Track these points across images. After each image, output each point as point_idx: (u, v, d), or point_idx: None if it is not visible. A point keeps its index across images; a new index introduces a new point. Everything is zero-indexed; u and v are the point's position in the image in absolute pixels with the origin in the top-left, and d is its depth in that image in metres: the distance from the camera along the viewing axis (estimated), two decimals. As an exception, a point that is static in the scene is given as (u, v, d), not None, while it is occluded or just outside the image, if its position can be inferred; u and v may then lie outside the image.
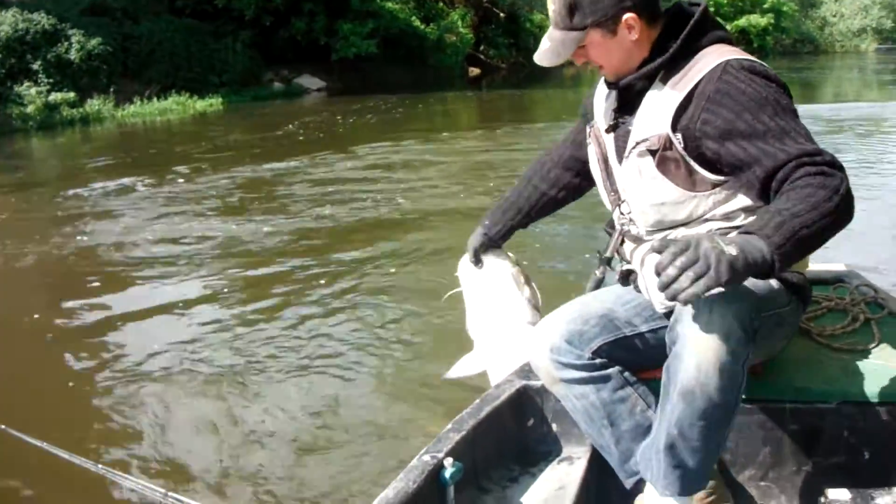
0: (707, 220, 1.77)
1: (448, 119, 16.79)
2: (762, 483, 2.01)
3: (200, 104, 18.98)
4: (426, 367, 3.55)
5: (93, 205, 7.64)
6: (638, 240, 1.88)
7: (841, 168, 1.56)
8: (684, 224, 1.78)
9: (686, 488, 1.72)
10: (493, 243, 2.31)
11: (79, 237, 6.33)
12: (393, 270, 5.09)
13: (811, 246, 1.54)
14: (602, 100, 1.99)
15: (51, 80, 17.38)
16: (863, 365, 2.01)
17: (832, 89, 20.45)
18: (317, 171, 9.08)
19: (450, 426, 1.94)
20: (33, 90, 16.89)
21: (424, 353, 3.79)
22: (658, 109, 1.76)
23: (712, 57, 1.70)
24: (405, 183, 8.20)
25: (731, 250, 1.45)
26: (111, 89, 17.94)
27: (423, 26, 27.17)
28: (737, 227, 1.69)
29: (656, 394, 1.82)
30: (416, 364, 3.69)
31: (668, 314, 1.77)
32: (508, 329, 2.26)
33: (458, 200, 7.25)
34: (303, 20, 23.84)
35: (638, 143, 1.78)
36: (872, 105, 15.67)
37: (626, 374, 1.93)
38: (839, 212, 1.52)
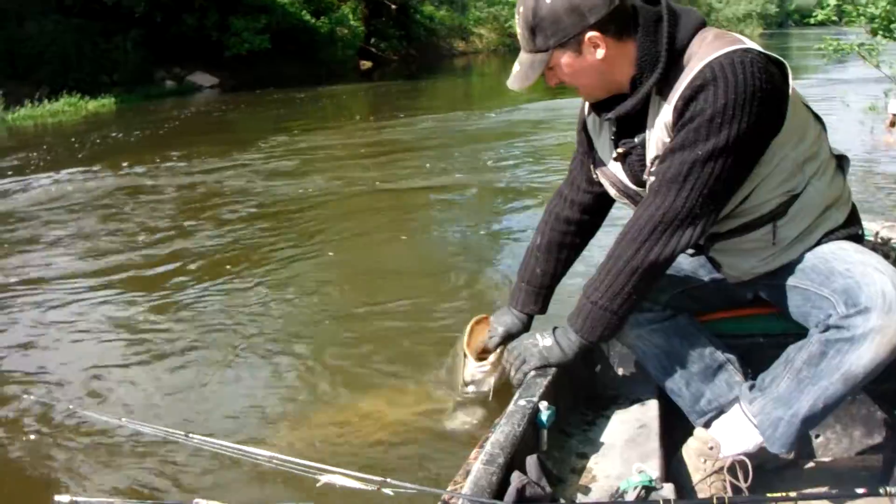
0: (743, 208, 1.79)
1: (339, 111, 17.26)
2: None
3: (93, 104, 18.95)
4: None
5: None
6: None
7: (683, 225, 1.70)
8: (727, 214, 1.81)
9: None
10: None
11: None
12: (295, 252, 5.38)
13: (622, 316, 1.83)
14: (595, 129, 1.99)
15: (-65, 84, 17.16)
16: None
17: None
18: (199, 168, 9.25)
19: (534, 373, 2.00)
20: (-83, 94, 16.67)
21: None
22: (664, 126, 1.74)
23: (697, 58, 1.67)
24: (298, 174, 8.58)
25: (547, 342, 1.98)
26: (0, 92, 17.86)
27: (313, 20, 27.51)
28: (765, 205, 1.77)
29: (720, 335, 2.05)
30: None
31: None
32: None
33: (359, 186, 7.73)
34: (194, 16, 23.82)
35: (652, 161, 1.79)
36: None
37: (694, 319, 2.05)
38: (645, 269, 1.75)
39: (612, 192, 1.98)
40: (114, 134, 13.82)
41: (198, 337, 3.87)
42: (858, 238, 1.87)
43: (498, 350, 2.33)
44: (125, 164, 9.71)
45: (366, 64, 30.31)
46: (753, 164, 1.70)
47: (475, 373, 2.41)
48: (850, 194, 1.90)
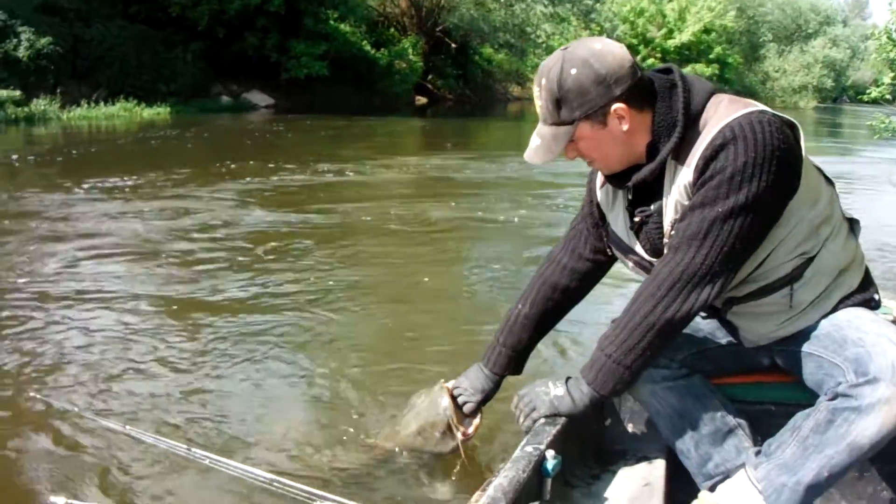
0: (760, 272, 1.78)
1: (392, 143, 17.15)
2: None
3: (148, 112, 19.13)
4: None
5: (45, 204, 7.75)
6: None
7: (702, 283, 1.70)
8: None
9: None
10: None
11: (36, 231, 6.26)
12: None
13: (635, 371, 1.81)
14: (608, 202, 1.98)
15: (-3, 77, 17.33)
16: None
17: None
18: (243, 187, 9.08)
19: (543, 420, 1.98)
20: (-21, 86, 16.84)
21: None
22: (682, 188, 1.75)
23: (713, 121, 1.70)
24: (351, 197, 8.50)
25: (559, 391, 1.98)
26: (58, 90, 17.93)
27: (373, 51, 27.66)
28: (775, 271, 1.77)
29: (733, 400, 2.03)
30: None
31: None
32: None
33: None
34: (256, 36, 24.06)
35: (672, 225, 1.79)
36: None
37: (708, 381, 2.03)
38: (661, 325, 1.74)
39: (629, 264, 1.97)
40: (163, 143, 13.68)
41: (213, 353, 3.75)
42: (875, 303, 1.85)
43: (479, 417, 2.35)
44: (167, 177, 9.60)
45: (421, 100, 30.47)
46: (772, 224, 1.71)
47: (461, 444, 2.37)
48: (863, 257, 1.89)
